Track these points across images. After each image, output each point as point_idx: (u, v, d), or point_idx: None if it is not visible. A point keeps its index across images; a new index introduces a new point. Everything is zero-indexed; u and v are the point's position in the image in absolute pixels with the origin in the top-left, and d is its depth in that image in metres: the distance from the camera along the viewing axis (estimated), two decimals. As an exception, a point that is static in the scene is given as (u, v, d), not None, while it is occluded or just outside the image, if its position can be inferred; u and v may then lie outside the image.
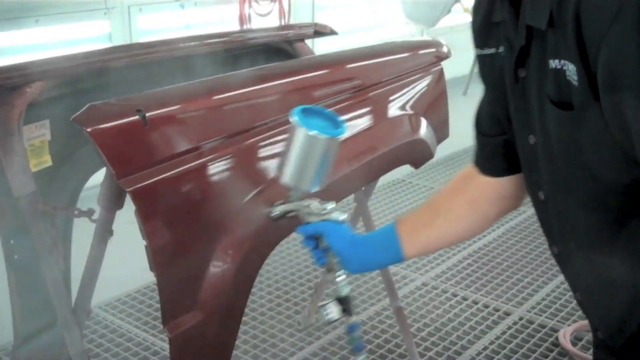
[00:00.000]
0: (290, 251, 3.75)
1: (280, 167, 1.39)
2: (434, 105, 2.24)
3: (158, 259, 1.34)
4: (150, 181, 1.34)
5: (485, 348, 2.94)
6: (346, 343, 1.49)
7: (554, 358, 2.88)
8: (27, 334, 2.14)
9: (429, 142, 2.13)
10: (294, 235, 1.67)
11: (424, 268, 3.62)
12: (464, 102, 6.58)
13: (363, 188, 2.58)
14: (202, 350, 1.51)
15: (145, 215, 1.32)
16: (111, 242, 1.67)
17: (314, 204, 1.44)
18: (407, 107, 2.06)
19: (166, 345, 2.85)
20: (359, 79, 1.93)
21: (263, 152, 1.59)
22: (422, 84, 2.17)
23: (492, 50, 1.30)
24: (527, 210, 4.27)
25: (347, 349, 2.91)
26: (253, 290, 1.60)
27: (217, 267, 1.45)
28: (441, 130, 2.28)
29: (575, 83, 1.04)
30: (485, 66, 1.35)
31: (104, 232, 1.58)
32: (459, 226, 1.49)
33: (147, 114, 1.36)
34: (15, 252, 2.02)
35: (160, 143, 1.39)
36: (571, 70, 1.04)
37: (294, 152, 1.35)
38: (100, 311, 3.17)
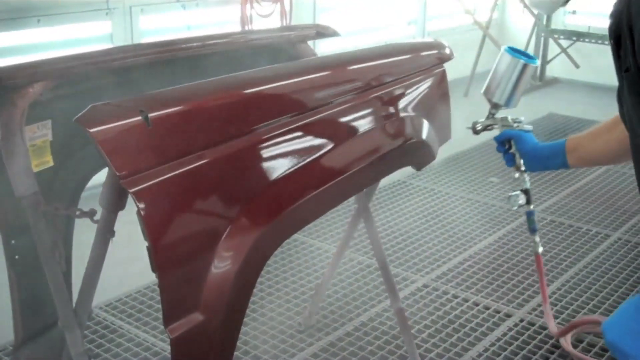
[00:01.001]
0: (292, 252, 3.75)
1: (489, 88, 2.03)
2: (436, 107, 2.24)
3: (159, 259, 1.34)
4: (152, 182, 1.34)
5: (486, 350, 2.94)
6: (525, 224, 2.29)
7: (555, 360, 2.88)
8: (27, 334, 2.14)
9: (431, 143, 2.13)
10: (295, 236, 1.68)
11: (425, 270, 3.62)
12: (465, 104, 6.61)
13: (365, 190, 2.58)
14: (203, 351, 1.51)
15: (147, 216, 1.31)
16: (113, 242, 1.67)
17: (510, 117, 2.03)
18: (409, 108, 2.06)
19: (167, 346, 2.85)
20: (361, 80, 1.93)
21: (266, 154, 1.59)
22: (424, 86, 2.16)
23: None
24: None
25: (347, 351, 2.91)
26: (254, 291, 1.60)
27: (218, 268, 1.45)
28: (443, 132, 2.27)
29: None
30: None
31: (106, 232, 1.58)
32: (612, 153, 1.88)
33: (149, 115, 1.36)
34: (17, 253, 2.02)
35: (162, 144, 1.39)
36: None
37: (504, 76, 1.99)
38: (101, 312, 3.17)
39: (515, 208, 2.08)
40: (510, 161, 2.01)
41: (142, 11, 4.60)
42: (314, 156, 1.68)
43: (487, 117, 2.06)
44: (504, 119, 2.03)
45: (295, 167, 1.64)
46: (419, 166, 2.20)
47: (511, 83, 1.98)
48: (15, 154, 1.70)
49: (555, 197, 4.58)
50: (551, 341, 2.99)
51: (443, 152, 2.33)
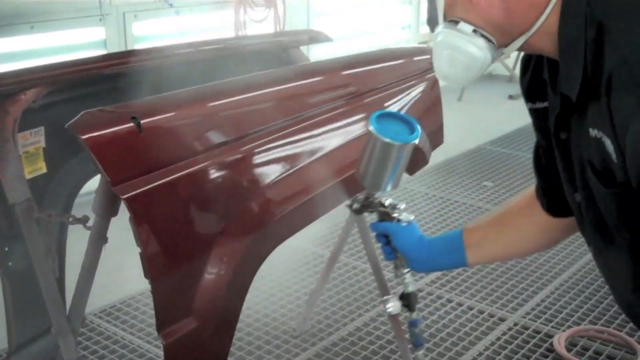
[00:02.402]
0: (285, 257, 3.75)
1: (358, 169, 1.50)
2: (429, 112, 2.25)
3: (152, 266, 1.34)
4: (144, 188, 1.34)
5: (480, 354, 2.94)
6: (409, 337, 1.69)
7: (549, 364, 2.89)
8: (21, 341, 2.14)
9: (423, 148, 2.14)
10: (288, 242, 1.68)
11: (419, 274, 3.62)
12: (458, 109, 6.62)
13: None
14: (196, 357, 1.52)
15: (140, 222, 1.32)
16: (106, 249, 1.67)
17: (388, 203, 1.55)
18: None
19: (161, 352, 2.84)
20: (354, 85, 1.94)
21: (258, 160, 1.59)
22: (417, 91, 2.17)
23: (544, 104, 1.32)
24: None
25: (341, 356, 2.91)
26: (248, 296, 1.60)
27: (211, 274, 1.45)
28: (436, 137, 2.29)
29: (614, 159, 1.06)
30: (539, 118, 1.37)
31: (99, 239, 1.58)
32: (524, 245, 1.58)
33: (141, 122, 1.36)
34: (10, 259, 2.01)
35: (155, 150, 1.40)
36: (608, 144, 1.06)
37: (371, 156, 1.44)
38: (95, 318, 3.16)
39: (388, 316, 1.57)
40: (389, 255, 1.56)
41: (135, 17, 4.60)
42: (307, 161, 1.69)
43: (365, 199, 1.58)
44: (381, 204, 1.55)
45: (288, 172, 1.64)
46: (411, 171, 2.21)
47: (382, 165, 1.43)
48: (8, 160, 1.70)
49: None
50: (545, 345, 3.00)
51: (436, 157, 2.33)
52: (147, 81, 2.02)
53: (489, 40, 1.17)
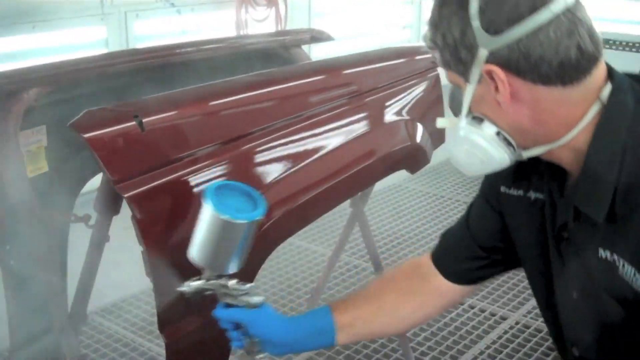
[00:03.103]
0: (287, 256, 3.75)
1: (192, 248, 1.26)
2: (430, 111, 2.25)
3: (154, 264, 1.34)
4: (146, 187, 1.35)
5: (481, 352, 2.95)
6: None
7: (550, 363, 2.89)
8: (23, 339, 2.14)
9: (425, 147, 2.14)
10: (290, 240, 1.68)
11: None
12: (460, 107, 6.60)
13: (359, 193, 2.58)
14: (198, 355, 1.52)
15: (142, 221, 1.32)
16: (108, 248, 1.67)
17: (232, 284, 1.30)
18: (403, 112, 2.07)
19: (162, 351, 2.85)
20: (355, 84, 1.94)
21: (259, 158, 1.60)
22: (418, 90, 2.18)
23: (519, 193, 1.30)
24: None
25: (342, 354, 2.91)
26: (249, 295, 1.60)
27: (213, 273, 1.45)
28: (437, 136, 2.28)
29: (637, 287, 1.05)
30: (508, 205, 1.33)
31: (101, 237, 1.59)
32: (401, 324, 1.51)
33: (143, 120, 1.37)
34: (12, 258, 2.01)
35: (156, 149, 1.40)
36: (629, 271, 1.05)
37: (208, 235, 1.23)
38: (97, 316, 3.17)
39: None
40: (239, 342, 1.35)
41: (137, 16, 4.60)
42: (308, 160, 1.69)
43: (202, 278, 1.29)
44: (225, 286, 1.29)
45: (289, 171, 1.64)
46: (413, 169, 2.21)
47: (222, 246, 1.24)
48: (10, 159, 1.70)
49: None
50: (546, 343, 3.00)
51: (439, 156, 2.32)
52: (148, 80, 2.02)
53: (510, 144, 1.15)
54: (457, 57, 1.12)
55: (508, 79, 1.08)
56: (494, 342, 3.02)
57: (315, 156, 1.73)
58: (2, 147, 1.68)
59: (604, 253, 1.10)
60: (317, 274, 3.48)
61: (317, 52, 5.38)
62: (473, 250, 1.42)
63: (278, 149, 1.65)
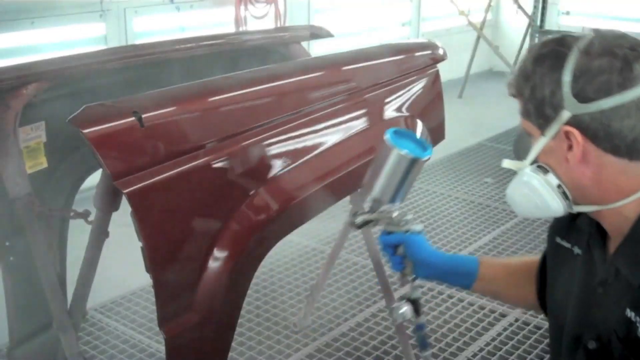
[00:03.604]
0: (286, 253, 3.75)
1: (368, 181, 1.51)
2: (430, 107, 2.24)
3: (154, 260, 1.34)
4: (146, 182, 1.34)
5: (481, 349, 2.95)
6: (415, 341, 1.75)
7: None
8: (22, 335, 2.14)
9: (424, 144, 2.13)
10: (290, 238, 1.68)
11: (420, 270, 3.62)
12: (459, 105, 6.61)
13: (359, 190, 2.58)
14: (198, 351, 1.51)
15: (141, 217, 1.32)
16: (107, 244, 1.67)
17: (396, 215, 1.52)
18: (403, 108, 2.07)
19: (162, 347, 2.85)
20: (355, 81, 1.93)
21: (259, 154, 1.59)
22: (418, 86, 2.17)
23: (567, 245, 1.41)
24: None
25: (342, 351, 2.91)
26: (249, 292, 1.60)
27: (213, 269, 1.45)
28: (437, 132, 2.28)
29: None
30: (557, 255, 1.45)
31: (100, 233, 1.58)
32: (519, 301, 1.73)
33: (143, 116, 1.36)
34: (11, 254, 2.01)
35: (156, 145, 1.39)
36: None
37: (385, 168, 1.47)
38: (96, 313, 3.17)
39: (399, 322, 1.64)
40: (398, 265, 1.56)
41: (136, 13, 4.60)
42: (308, 157, 1.69)
43: (369, 211, 1.54)
44: (388, 216, 1.53)
45: (290, 167, 1.64)
46: (413, 166, 2.20)
47: (394, 178, 1.48)
48: (9, 155, 1.70)
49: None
50: (546, 340, 3.00)
51: (437, 153, 2.32)
52: (147, 76, 2.02)
53: (567, 197, 1.26)
54: (541, 111, 1.23)
55: (583, 142, 1.20)
56: (493, 339, 3.02)
57: (314, 153, 1.72)
58: (2, 142, 1.68)
59: (630, 313, 1.21)
60: (317, 272, 3.49)
61: (317, 50, 5.38)
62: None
63: (277, 145, 1.64)
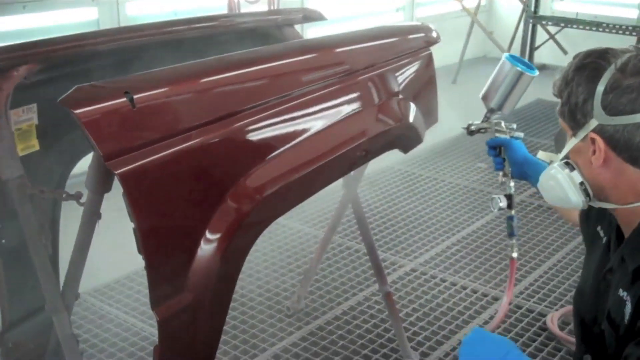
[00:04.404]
0: (279, 237, 3.75)
1: (487, 93, 1.99)
2: (423, 90, 2.24)
3: (146, 241, 1.33)
4: (138, 163, 1.33)
5: (473, 333, 2.96)
6: (504, 228, 2.25)
7: (542, 342, 2.90)
8: (14, 318, 2.14)
9: (417, 126, 2.13)
10: (282, 221, 1.68)
11: (413, 254, 3.63)
12: (453, 91, 6.60)
13: (352, 172, 2.58)
14: (190, 333, 1.52)
15: (133, 198, 1.31)
16: (99, 230, 1.66)
17: (504, 123, 1.99)
18: (396, 91, 2.06)
19: (155, 331, 2.85)
20: (347, 63, 1.92)
21: (252, 136, 1.59)
22: (411, 69, 2.16)
23: (601, 233, 1.57)
24: (515, 197, 4.28)
25: (335, 334, 2.92)
26: (242, 276, 1.60)
27: (205, 250, 1.45)
28: (430, 115, 2.28)
29: (625, 321, 1.33)
30: (594, 241, 1.61)
31: (92, 215, 1.58)
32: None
33: (134, 96, 1.35)
34: (3, 237, 2.01)
35: (148, 125, 1.38)
36: (628, 308, 1.33)
37: (502, 81, 1.95)
38: (89, 297, 3.17)
39: (496, 211, 1.99)
40: (500, 164, 1.97)
41: (128, -4, 4.57)
42: (300, 138, 1.68)
43: (483, 120, 2.02)
44: (498, 124, 1.99)
45: (282, 149, 1.64)
46: (406, 149, 2.21)
47: (508, 90, 1.94)
48: (1, 137, 1.69)
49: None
50: (538, 323, 3.02)
51: (430, 139, 2.32)
52: (139, 58, 2.00)
53: (587, 194, 1.42)
54: (573, 115, 1.39)
55: (605, 149, 1.35)
56: (486, 322, 3.03)
57: (307, 135, 1.72)
58: (-7, 124, 1.67)
59: (622, 292, 1.37)
60: (310, 256, 3.49)
61: (310, 34, 5.36)
62: None
63: (270, 126, 1.64)
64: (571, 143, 1.41)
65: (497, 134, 1.98)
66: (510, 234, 2.03)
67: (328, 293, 3.25)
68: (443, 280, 3.38)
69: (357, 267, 3.48)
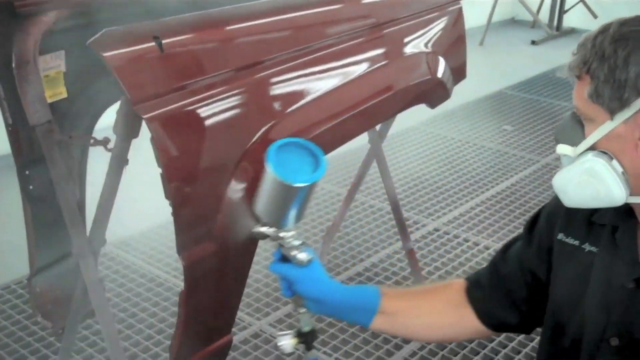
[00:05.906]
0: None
1: (254, 203, 1.36)
2: (452, 46, 2.21)
3: (173, 187, 1.34)
4: (165, 108, 1.34)
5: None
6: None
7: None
8: (42, 264, 2.17)
9: (446, 81, 2.11)
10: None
11: (437, 214, 3.63)
12: (480, 53, 6.53)
13: (378, 128, 2.57)
14: (215, 279, 1.53)
15: (160, 142, 1.32)
16: (125, 183, 1.66)
17: (286, 237, 1.38)
18: (425, 45, 2.04)
19: (179, 282, 2.89)
20: (375, 16, 1.90)
21: (278, 85, 1.58)
22: (440, 24, 2.14)
23: (574, 242, 1.35)
24: (540, 160, 4.26)
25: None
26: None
27: (232, 197, 1.45)
28: (458, 71, 2.25)
29: None
30: (561, 254, 1.38)
31: (120, 160, 1.58)
32: (430, 335, 1.58)
33: (163, 41, 1.35)
34: (31, 183, 2.03)
35: (176, 71, 1.38)
36: None
37: (267, 193, 1.32)
38: (114, 249, 3.21)
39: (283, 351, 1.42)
40: (287, 292, 1.41)
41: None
42: (329, 88, 1.68)
43: (265, 226, 1.40)
44: (281, 238, 1.38)
45: (307, 99, 1.63)
46: (433, 104, 2.19)
47: (280, 204, 1.33)
48: (29, 82, 1.69)
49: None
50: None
51: (456, 100, 2.29)
52: (168, 6, 1.99)
53: (628, 186, 1.19)
54: (618, 94, 1.14)
55: None
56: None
57: (334, 85, 1.71)
58: (21, 69, 1.67)
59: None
60: (333, 213, 3.50)
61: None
62: (501, 287, 1.47)
63: (297, 77, 1.63)
64: (606, 127, 1.18)
65: (282, 252, 1.41)
66: None
67: (351, 250, 3.27)
68: (466, 240, 3.37)
69: (380, 225, 3.48)
